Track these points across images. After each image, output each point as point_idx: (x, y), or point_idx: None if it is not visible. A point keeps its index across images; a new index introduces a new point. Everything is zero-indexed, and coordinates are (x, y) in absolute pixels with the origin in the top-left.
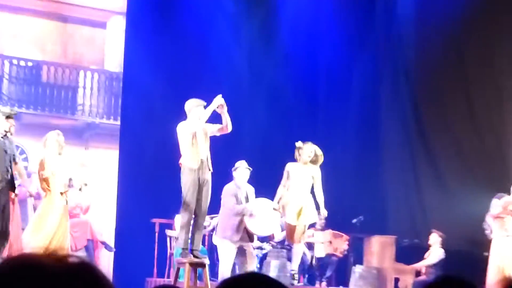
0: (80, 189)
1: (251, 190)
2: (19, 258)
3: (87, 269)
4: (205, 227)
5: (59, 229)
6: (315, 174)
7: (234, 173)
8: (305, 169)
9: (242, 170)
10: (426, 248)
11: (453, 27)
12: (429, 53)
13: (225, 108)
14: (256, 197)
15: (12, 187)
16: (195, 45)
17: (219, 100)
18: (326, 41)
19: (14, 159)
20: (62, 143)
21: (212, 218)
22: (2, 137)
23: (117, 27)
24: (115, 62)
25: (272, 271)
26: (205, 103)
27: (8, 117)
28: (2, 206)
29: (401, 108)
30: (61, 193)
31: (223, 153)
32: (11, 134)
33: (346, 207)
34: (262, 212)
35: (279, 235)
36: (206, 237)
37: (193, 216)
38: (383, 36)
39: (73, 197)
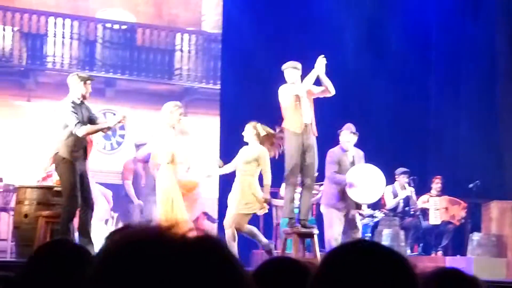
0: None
1: (359, 154)
2: (144, 231)
3: (214, 245)
4: (313, 195)
5: (177, 201)
6: None
7: (340, 137)
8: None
9: (347, 133)
10: None
11: None
12: None
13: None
14: (366, 162)
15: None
16: (297, 2)
17: (322, 61)
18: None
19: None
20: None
21: (320, 186)
22: (79, 104)
23: None
24: (213, 22)
25: (384, 241)
26: (300, 65)
27: (85, 82)
28: (80, 176)
29: None
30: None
31: (331, 116)
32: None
33: (463, 172)
34: (363, 180)
35: (391, 202)
36: (314, 206)
37: (301, 184)
38: None
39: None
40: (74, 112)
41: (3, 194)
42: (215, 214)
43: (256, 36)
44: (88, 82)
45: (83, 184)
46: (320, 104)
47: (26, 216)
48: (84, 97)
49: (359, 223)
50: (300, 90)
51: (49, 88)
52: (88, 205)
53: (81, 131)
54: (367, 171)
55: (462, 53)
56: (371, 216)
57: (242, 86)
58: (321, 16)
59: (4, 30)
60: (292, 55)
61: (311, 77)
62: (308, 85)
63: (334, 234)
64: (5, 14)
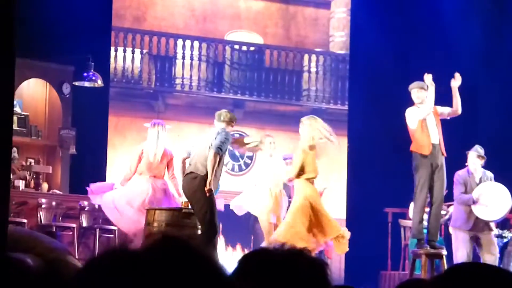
0: None
1: (487, 176)
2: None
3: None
4: (442, 216)
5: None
6: None
7: (468, 159)
8: None
9: (473, 156)
10: None
11: None
12: None
13: (457, 90)
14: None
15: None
16: (426, 21)
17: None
18: None
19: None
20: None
21: (448, 206)
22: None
23: (342, 7)
24: (340, 43)
25: None
26: (426, 85)
27: (233, 121)
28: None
29: None
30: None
31: (460, 136)
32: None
33: None
34: (489, 197)
35: None
36: (443, 227)
37: (429, 204)
38: None
39: None
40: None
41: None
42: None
43: (383, 57)
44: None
45: None
46: (448, 124)
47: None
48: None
49: (495, 246)
50: (425, 112)
51: (178, 109)
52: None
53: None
54: (493, 188)
55: None
56: (500, 236)
57: (370, 106)
58: (451, 31)
59: (133, 52)
60: (421, 74)
61: (432, 96)
62: (432, 106)
63: (461, 256)
64: (134, 37)
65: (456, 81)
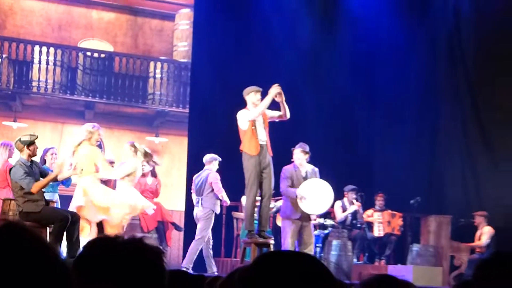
0: (152, 175)
1: (313, 170)
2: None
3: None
4: (270, 209)
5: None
6: None
7: (293, 155)
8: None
9: (298, 152)
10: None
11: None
12: (482, 37)
13: (283, 97)
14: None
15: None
16: (258, 36)
17: (275, 89)
18: (383, 26)
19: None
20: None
21: (276, 200)
22: (30, 165)
23: (185, 19)
24: (183, 52)
25: (333, 251)
26: (261, 89)
27: (29, 145)
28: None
29: (457, 93)
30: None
31: (287, 137)
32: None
33: (404, 189)
34: (313, 193)
35: (340, 216)
36: (271, 219)
37: (259, 198)
38: (439, 22)
39: (146, 183)
40: (26, 173)
41: None
42: (181, 224)
43: (221, 65)
44: (32, 143)
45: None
46: (276, 124)
47: None
48: (30, 156)
49: (312, 236)
50: (254, 115)
51: (34, 110)
52: None
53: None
54: (317, 185)
55: (403, 80)
56: (323, 226)
57: (208, 110)
58: (279, 46)
59: None
60: (253, 83)
61: (266, 101)
62: (262, 109)
63: (289, 244)
64: None
65: (279, 94)
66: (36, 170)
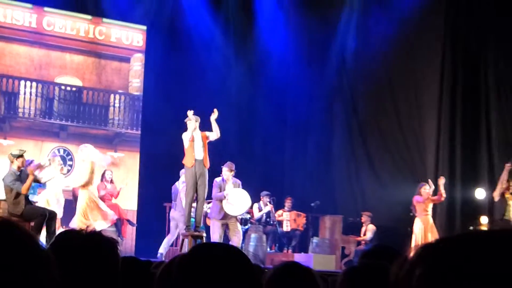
0: (111, 181)
1: (237, 182)
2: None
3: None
4: (203, 210)
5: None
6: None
7: (222, 171)
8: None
9: (225, 170)
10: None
11: (384, 54)
12: (367, 77)
13: (214, 121)
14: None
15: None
16: (195, 75)
17: (215, 114)
18: (293, 70)
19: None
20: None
21: (209, 203)
22: (19, 174)
23: (138, 61)
24: (136, 87)
25: (252, 242)
26: (199, 118)
27: (19, 157)
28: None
29: (347, 117)
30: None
31: (218, 153)
32: (24, 167)
33: (307, 194)
34: (234, 198)
35: (257, 215)
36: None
37: (195, 201)
38: (335, 66)
39: (106, 187)
40: (15, 179)
41: None
42: (134, 220)
43: (167, 97)
44: (21, 156)
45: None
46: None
47: None
48: (20, 168)
49: (239, 231)
50: (192, 135)
51: (20, 130)
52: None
53: (23, 190)
54: (238, 193)
55: (308, 110)
56: (245, 220)
57: (157, 131)
58: (213, 83)
59: None
60: (191, 110)
61: (191, 124)
62: (191, 131)
63: (214, 238)
64: None
65: (214, 115)
66: (24, 176)
